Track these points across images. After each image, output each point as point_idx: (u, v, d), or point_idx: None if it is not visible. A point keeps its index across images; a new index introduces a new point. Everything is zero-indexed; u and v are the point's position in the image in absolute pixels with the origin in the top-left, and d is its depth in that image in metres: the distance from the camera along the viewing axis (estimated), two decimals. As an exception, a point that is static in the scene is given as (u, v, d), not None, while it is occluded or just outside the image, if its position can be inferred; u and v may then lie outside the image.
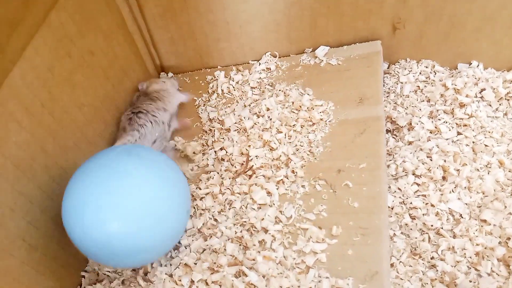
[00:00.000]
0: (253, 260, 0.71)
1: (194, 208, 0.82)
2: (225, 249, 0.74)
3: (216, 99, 1.00)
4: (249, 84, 0.99)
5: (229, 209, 0.80)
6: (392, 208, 0.79)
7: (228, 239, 0.76)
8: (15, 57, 0.66)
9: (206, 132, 0.95)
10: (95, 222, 0.62)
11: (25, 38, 0.67)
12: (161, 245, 0.69)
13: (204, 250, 0.76)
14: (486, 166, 0.81)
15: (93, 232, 0.62)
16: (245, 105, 0.95)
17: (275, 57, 1.01)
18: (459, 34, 0.88)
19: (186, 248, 0.77)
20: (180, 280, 0.72)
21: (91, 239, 0.63)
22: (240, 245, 0.75)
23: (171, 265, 0.75)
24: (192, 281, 0.71)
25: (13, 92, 0.65)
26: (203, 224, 0.79)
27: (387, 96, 0.94)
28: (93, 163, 0.67)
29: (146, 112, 0.90)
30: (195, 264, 0.74)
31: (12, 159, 0.65)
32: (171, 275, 0.73)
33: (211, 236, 0.77)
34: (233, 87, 1.00)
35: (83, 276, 0.81)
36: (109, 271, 0.79)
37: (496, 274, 0.69)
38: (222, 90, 1.00)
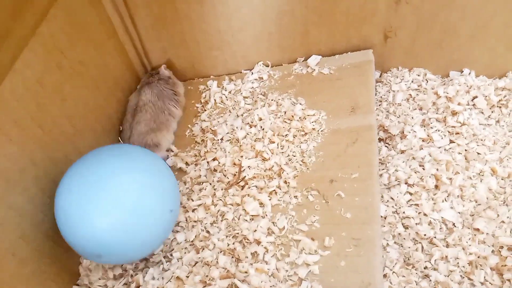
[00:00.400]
0: (246, 272, 0.71)
1: (186, 219, 0.82)
2: (217, 262, 0.73)
3: (209, 109, 0.99)
4: (241, 93, 0.98)
5: (222, 220, 0.79)
6: (385, 218, 0.78)
7: (221, 252, 0.75)
8: (5, 70, 0.65)
9: (198, 142, 0.94)
10: (84, 218, 0.64)
11: (14, 51, 0.67)
12: (146, 242, 0.70)
13: (196, 262, 0.75)
14: (479, 174, 0.80)
15: (81, 228, 0.65)
16: (237, 115, 0.94)
17: (268, 66, 1.01)
18: (452, 42, 0.88)
19: (178, 261, 0.76)
20: (172, 294, 0.71)
21: (80, 235, 0.65)
22: (232, 257, 0.74)
23: (163, 278, 0.74)
24: (184, 294, 0.71)
25: (2, 105, 0.65)
26: (195, 236, 0.78)
27: (379, 105, 0.94)
28: (85, 161, 0.70)
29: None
30: (187, 277, 0.73)
31: (1, 172, 0.64)
32: (163, 288, 0.73)
33: (203, 249, 0.76)
34: (226, 97, 1.00)
35: (75, 290, 0.80)
36: (100, 286, 0.78)
37: (490, 283, 0.69)
38: (215, 100, 1.00)
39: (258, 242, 0.75)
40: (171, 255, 0.77)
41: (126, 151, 0.72)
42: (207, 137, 0.93)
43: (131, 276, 0.77)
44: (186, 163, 0.91)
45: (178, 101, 0.98)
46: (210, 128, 0.95)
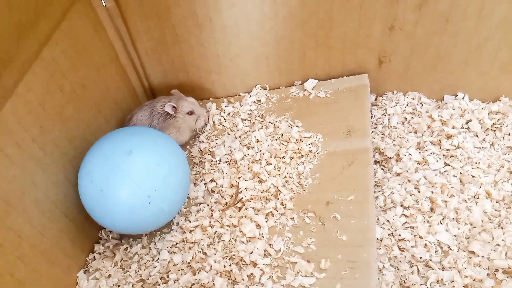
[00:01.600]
0: (242, 294, 0.71)
1: (183, 240, 0.82)
2: (213, 284, 0.74)
3: (207, 130, 1.01)
4: (239, 116, 1.00)
5: (218, 242, 0.80)
6: (381, 240, 0.79)
7: (217, 273, 0.75)
8: (7, 93, 0.67)
9: (197, 164, 0.95)
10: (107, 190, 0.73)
11: (17, 75, 0.69)
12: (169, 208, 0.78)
13: (193, 284, 0.75)
14: (474, 197, 0.81)
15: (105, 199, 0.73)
16: (235, 137, 0.96)
17: (265, 89, 1.03)
18: (445, 66, 0.90)
19: (174, 283, 0.76)
20: (168, 316, 0.71)
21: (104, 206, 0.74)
22: (228, 279, 0.75)
23: (159, 299, 0.75)
24: (180, 317, 0.71)
25: (4, 127, 0.66)
26: (192, 258, 0.79)
27: (375, 128, 0.95)
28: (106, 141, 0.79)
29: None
30: (184, 299, 0.73)
31: (1, 193, 0.65)
32: (159, 310, 0.73)
33: (199, 270, 0.77)
34: (224, 119, 1.01)
35: (72, 311, 0.80)
36: (98, 304, 0.78)
37: (485, 306, 0.69)
38: (214, 122, 1.01)
39: (255, 264, 0.75)
40: (168, 276, 0.77)
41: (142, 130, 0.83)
42: (205, 159, 0.94)
43: (128, 297, 0.77)
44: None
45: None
46: (209, 150, 0.96)
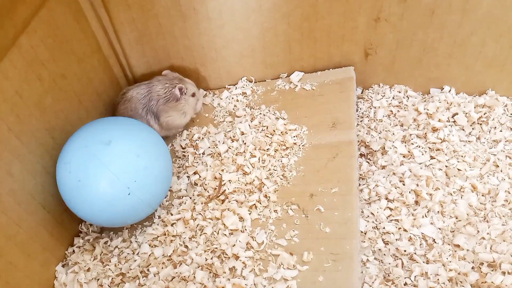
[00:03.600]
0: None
1: (164, 234, 0.81)
2: (194, 277, 0.72)
3: (192, 123, 0.99)
4: (224, 108, 0.99)
5: (201, 235, 0.79)
6: (365, 233, 0.78)
7: (198, 266, 0.74)
8: (-19, 80, 0.65)
9: (179, 157, 0.94)
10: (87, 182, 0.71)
11: (-8, 62, 0.67)
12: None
13: (173, 278, 0.74)
14: (459, 190, 0.81)
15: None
16: (220, 129, 0.94)
17: (251, 82, 1.02)
18: (431, 59, 0.90)
19: (154, 276, 0.75)
20: (147, 309, 0.70)
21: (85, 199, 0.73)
22: (210, 272, 0.73)
23: (138, 293, 0.73)
24: (159, 310, 0.69)
25: (-22, 116, 0.64)
26: (173, 251, 0.77)
27: (360, 121, 0.94)
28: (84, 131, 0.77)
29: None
30: (163, 292, 0.72)
31: (-26, 183, 0.63)
32: (138, 304, 0.71)
33: (180, 264, 0.75)
34: (209, 111, 1.00)
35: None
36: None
37: (470, 300, 0.69)
38: (200, 114, 1.00)
39: (237, 257, 0.74)
40: (148, 270, 0.76)
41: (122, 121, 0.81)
42: (188, 152, 0.93)
43: (107, 291, 0.75)
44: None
45: (159, 120, 0.93)
46: (191, 144, 0.94)
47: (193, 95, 0.94)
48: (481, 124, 0.89)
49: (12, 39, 0.70)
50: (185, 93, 0.92)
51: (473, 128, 0.89)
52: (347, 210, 0.75)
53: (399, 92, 0.96)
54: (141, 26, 0.95)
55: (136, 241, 0.82)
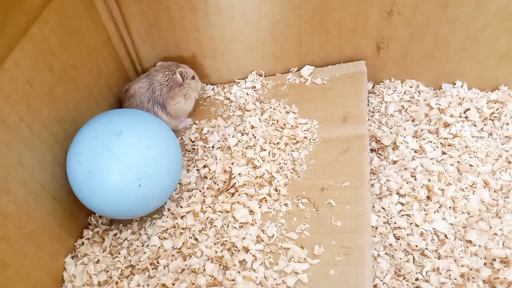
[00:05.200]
0: (233, 280, 0.69)
1: (174, 226, 0.80)
2: (204, 269, 0.72)
3: (201, 116, 0.99)
4: (234, 102, 0.98)
5: (210, 228, 0.78)
6: (376, 228, 0.77)
7: (208, 259, 0.73)
8: (-7, 68, 0.65)
9: (189, 151, 0.93)
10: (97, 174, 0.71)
11: (4, 50, 0.66)
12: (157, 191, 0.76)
13: (183, 270, 0.73)
14: (471, 186, 0.80)
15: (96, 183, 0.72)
16: (229, 123, 0.94)
17: (261, 76, 1.01)
18: (443, 54, 0.89)
19: (164, 268, 0.74)
20: (157, 301, 0.69)
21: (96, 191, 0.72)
22: (220, 265, 0.73)
23: (148, 285, 0.72)
24: (169, 302, 0.69)
25: (-10, 103, 0.64)
26: (183, 244, 0.77)
27: (371, 116, 0.94)
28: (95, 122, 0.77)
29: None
30: (173, 284, 0.71)
31: (-15, 171, 0.63)
32: (148, 295, 0.71)
33: (190, 256, 0.75)
34: (218, 105, 0.99)
35: (58, 296, 0.78)
36: (85, 291, 0.76)
37: (482, 296, 0.68)
38: (209, 107, 1.00)
39: (247, 250, 0.73)
40: (158, 262, 0.75)
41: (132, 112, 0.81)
42: (197, 145, 0.92)
43: (116, 283, 0.75)
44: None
45: (166, 109, 0.92)
46: (201, 137, 0.94)
47: (193, 77, 0.95)
48: (493, 120, 0.88)
49: (24, 29, 0.70)
50: (186, 77, 0.92)
51: (485, 124, 0.88)
52: (359, 203, 0.74)
53: (411, 87, 0.95)
54: (152, 18, 0.94)
55: (145, 234, 0.81)
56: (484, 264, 0.70)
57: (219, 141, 0.91)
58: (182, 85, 0.92)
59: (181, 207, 0.82)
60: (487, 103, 0.89)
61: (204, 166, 0.88)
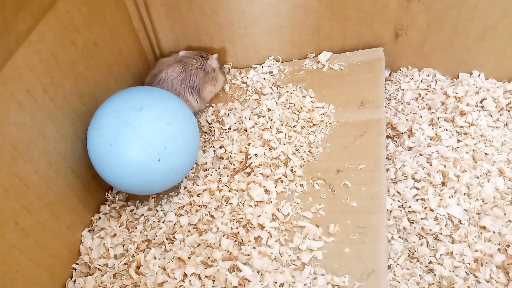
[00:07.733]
0: (248, 255, 0.70)
1: (190, 203, 0.81)
2: (220, 244, 0.73)
3: (218, 99, 1.00)
4: (251, 86, 0.99)
5: (226, 205, 0.79)
6: (390, 212, 0.78)
7: (224, 235, 0.74)
8: (20, 39, 0.66)
9: (205, 132, 0.94)
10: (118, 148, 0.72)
11: (30, 22, 0.68)
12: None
13: (199, 244, 0.74)
14: (486, 174, 0.80)
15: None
16: (246, 106, 0.95)
17: (278, 61, 1.02)
18: (461, 42, 0.89)
19: (180, 243, 0.75)
20: (173, 273, 0.70)
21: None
22: (235, 240, 0.73)
23: (164, 258, 0.73)
24: (185, 275, 0.70)
25: (16, 73, 0.65)
26: (199, 220, 0.78)
27: (388, 103, 0.94)
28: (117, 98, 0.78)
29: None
30: (189, 258, 0.72)
31: (10, 139, 0.64)
32: (164, 268, 0.72)
33: (206, 232, 0.76)
34: (235, 89, 1.00)
35: (74, 269, 0.79)
36: (100, 265, 0.77)
37: (495, 281, 0.68)
38: (225, 91, 1.00)
39: (262, 227, 0.74)
40: (174, 237, 0.76)
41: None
42: (214, 127, 0.93)
43: (132, 256, 0.76)
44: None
45: (199, 95, 0.94)
46: (217, 119, 0.95)
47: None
48: (509, 110, 0.88)
49: (49, 3, 0.71)
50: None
51: (501, 114, 0.88)
52: (374, 185, 0.75)
53: (428, 76, 0.95)
54: (172, 1, 0.95)
55: (162, 210, 0.82)
56: (498, 250, 0.71)
57: (235, 123, 0.92)
58: (213, 70, 0.95)
59: (198, 185, 0.83)
60: (504, 93, 0.89)
61: (221, 147, 0.89)
